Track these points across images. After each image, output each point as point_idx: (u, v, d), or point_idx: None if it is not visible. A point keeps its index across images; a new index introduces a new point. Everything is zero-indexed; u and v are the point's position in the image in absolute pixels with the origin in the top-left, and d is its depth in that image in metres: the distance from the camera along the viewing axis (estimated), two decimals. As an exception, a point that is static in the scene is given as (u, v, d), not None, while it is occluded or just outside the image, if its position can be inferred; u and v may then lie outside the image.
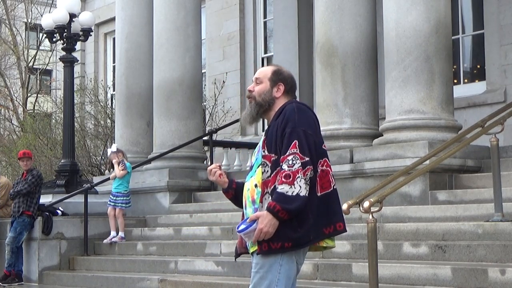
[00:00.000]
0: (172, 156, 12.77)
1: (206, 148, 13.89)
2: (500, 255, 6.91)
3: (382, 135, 9.75)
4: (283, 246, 4.09)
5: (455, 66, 12.77)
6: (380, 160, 9.35)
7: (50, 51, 27.13)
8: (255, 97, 4.39)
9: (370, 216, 5.88)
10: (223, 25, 17.63)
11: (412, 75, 9.32)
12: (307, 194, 4.07)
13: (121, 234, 11.61)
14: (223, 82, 16.99)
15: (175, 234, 11.16)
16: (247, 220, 4.18)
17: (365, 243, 7.31)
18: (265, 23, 17.27)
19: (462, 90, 12.80)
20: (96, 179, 13.72)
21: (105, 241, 11.60)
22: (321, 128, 10.79)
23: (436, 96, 9.31)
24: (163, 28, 13.14)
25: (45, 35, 15.69)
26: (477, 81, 13.19)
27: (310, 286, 7.64)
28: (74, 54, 14.65)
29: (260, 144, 4.36)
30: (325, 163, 4.28)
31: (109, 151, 12.17)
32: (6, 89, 25.91)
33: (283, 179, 4.05)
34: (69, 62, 13.64)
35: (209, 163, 13.43)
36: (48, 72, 31.30)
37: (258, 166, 4.29)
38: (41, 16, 19.99)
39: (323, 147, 4.32)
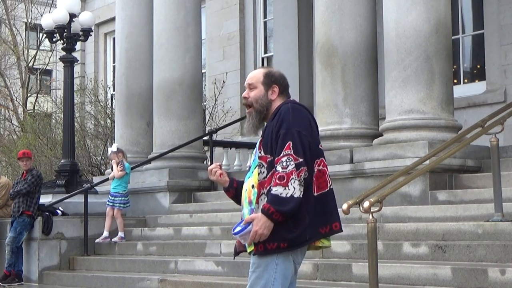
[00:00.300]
0: (172, 156, 12.77)
1: (206, 148, 13.89)
2: (500, 255, 6.91)
3: (382, 135, 9.75)
4: (278, 247, 4.12)
5: (455, 66, 12.77)
6: (380, 160, 9.35)
7: (50, 51, 27.13)
8: (253, 104, 4.39)
9: (370, 216, 5.88)
10: (223, 25, 17.62)
11: (412, 75, 9.32)
12: (301, 195, 4.08)
13: (120, 234, 11.61)
14: (223, 82, 16.99)
15: (175, 234, 11.16)
16: (242, 222, 4.21)
17: (365, 243, 7.31)
18: (265, 23, 17.27)
19: (462, 90, 12.80)
20: (96, 179, 13.71)
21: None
22: (321, 128, 10.83)
23: (436, 96, 9.31)
24: (163, 28, 13.14)
25: (45, 35, 15.69)
26: (477, 81, 13.19)
27: (310, 286, 7.64)
28: (74, 54, 14.65)
29: (257, 145, 4.37)
30: (322, 163, 4.26)
31: (109, 150, 12.18)
32: (6, 89, 25.92)
33: (277, 180, 4.06)
34: (69, 62, 13.64)
35: (209, 163, 13.43)
36: (48, 72, 31.30)
37: (255, 167, 4.30)
38: (41, 16, 20.00)
39: (320, 147, 4.30)
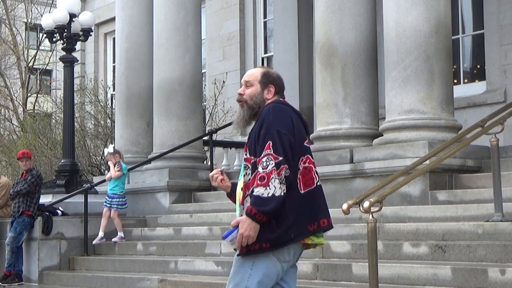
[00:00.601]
0: (172, 156, 12.77)
1: (206, 148, 13.89)
2: (500, 255, 6.91)
3: (382, 135, 9.75)
4: (261, 247, 4.16)
5: (455, 66, 12.77)
6: (380, 160, 9.35)
7: (50, 51, 27.13)
8: (247, 101, 4.44)
9: (370, 216, 5.88)
10: (223, 25, 17.62)
11: (412, 75, 9.32)
12: (282, 194, 4.11)
13: (120, 234, 11.60)
14: (223, 82, 16.99)
15: (175, 234, 11.16)
16: (230, 226, 4.25)
17: (365, 243, 7.31)
18: (265, 23, 17.27)
19: (462, 90, 12.80)
20: (96, 179, 13.71)
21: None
22: (321, 128, 10.84)
23: (436, 96, 9.31)
24: (163, 28, 13.14)
25: (45, 35, 15.69)
26: (477, 81, 13.19)
27: (310, 286, 7.64)
28: (74, 54, 14.65)
29: (244, 147, 4.42)
30: (308, 160, 4.29)
31: (105, 151, 12.13)
32: (6, 89, 25.91)
33: (258, 181, 4.11)
34: (69, 62, 13.64)
35: (209, 163, 13.43)
36: (48, 72, 31.29)
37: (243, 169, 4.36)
38: (41, 16, 20.00)
39: (306, 144, 4.33)
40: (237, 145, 15.15)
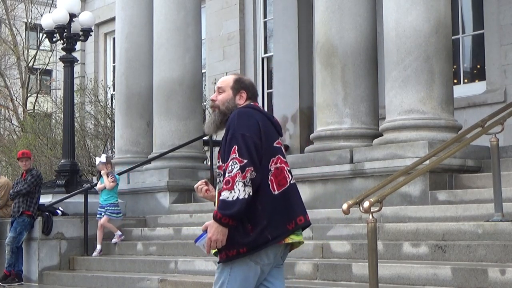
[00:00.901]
0: (172, 156, 12.77)
1: (206, 148, 13.89)
2: (500, 255, 6.91)
3: (382, 135, 9.75)
4: (238, 252, 4.22)
5: (455, 66, 12.77)
6: (380, 160, 9.35)
7: (50, 51, 27.13)
8: (219, 106, 4.51)
9: (370, 216, 5.88)
10: (223, 25, 17.63)
11: (412, 75, 9.32)
12: (246, 196, 4.14)
13: (118, 232, 11.53)
14: (223, 82, 16.96)
15: (175, 234, 11.16)
16: (201, 230, 4.30)
17: (365, 243, 7.31)
18: (265, 23, 17.27)
19: (462, 90, 12.80)
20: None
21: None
22: (321, 128, 10.83)
23: (436, 96, 9.31)
24: (163, 28, 13.14)
25: (45, 35, 15.69)
26: (477, 81, 13.18)
27: (310, 286, 7.64)
28: (74, 54, 14.65)
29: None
30: (279, 160, 4.34)
31: (97, 160, 12.03)
32: (6, 89, 25.91)
33: (224, 185, 4.17)
34: (69, 62, 13.64)
35: (209, 163, 13.43)
36: (48, 72, 31.29)
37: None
38: (41, 16, 19.99)
39: (276, 145, 4.37)
40: (237, 145, 15.12)
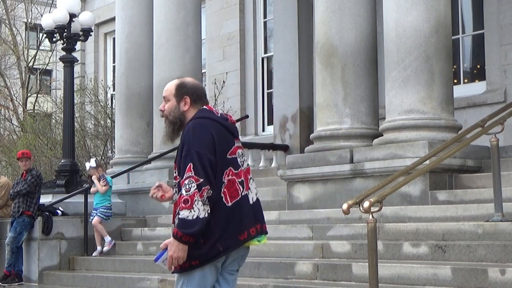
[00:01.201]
0: (172, 156, 12.73)
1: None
2: (500, 255, 6.91)
3: (382, 135, 9.75)
4: (191, 265, 4.30)
5: (455, 66, 12.77)
6: (380, 160, 9.35)
7: (50, 51, 27.13)
8: (167, 116, 4.56)
9: (370, 216, 5.88)
10: (223, 25, 17.62)
11: (412, 75, 9.32)
12: (206, 215, 4.21)
13: (107, 239, 11.47)
14: (223, 82, 16.99)
15: (175, 234, 11.14)
16: (161, 248, 4.40)
17: (365, 243, 7.31)
18: (265, 23, 17.26)
19: (462, 90, 12.80)
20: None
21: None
22: (321, 128, 10.82)
23: (436, 96, 9.31)
24: (163, 28, 13.14)
25: (45, 35, 15.69)
26: (477, 81, 13.18)
27: (310, 286, 7.64)
28: (74, 54, 14.65)
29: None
30: (230, 172, 4.38)
31: (87, 165, 12.00)
32: (6, 89, 25.92)
33: (182, 204, 4.19)
34: (69, 62, 13.64)
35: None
36: (48, 72, 31.29)
37: None
38: (41, 16, 19.99)
39: (228, 156, 4.40)
40: (237, 145, 15.13)
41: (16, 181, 12.09)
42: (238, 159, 4.45)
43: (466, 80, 13.38)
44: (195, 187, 4.19)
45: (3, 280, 11.36)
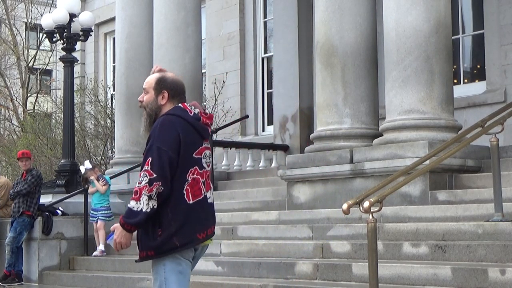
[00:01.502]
0: (172, 156, 12.74)
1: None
2: (500, 255, 6.91)
3: (382, 135, 9.75)
4: (147, 255, 4.54)
5: (455, 66, 12.77)
6: (380, 160, 9.35)
7: (50, 51, 27.13)
8: (145, 107, 4.70)
9: (370, 216, 5.88)
10: (223, 25, 17.63)
11: (412, 75, 9.32)
12: (149, 210, 4.36)
13: (101, 247, 11.44)
14: (223, 82, 16.99)
15: (175, 234, 11.14)
16: (111, 230, 4.65)
17: (365, 243, 7.31)
18: (265, 23, 17.27)
19: (462, 90, 12.80)
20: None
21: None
22: (321, 128, 10.82)
23: (436, 96, 9.31)
24: (163, 28, 13.14)
25: (45, 35, 15.69)
26: (477, 81, 13.18)
27: (310, 286, 7.64)
28: (74, 54, 14.65)
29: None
30: (196, 172, 4.50)
31: (82, 168, 11.96)
32: (6, 89, 25.92)
33: (133, 195, 4.40)
34: (69, 62, 13.64)
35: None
36: (48, 72, 31.29)
37: None
38: (41, 16, 20.00)
39: (194, 155, 4.51)
40: (237, 145, 15.16)
41: (16, 181, 12.10)
42: (204, 160, 4.56)
43: (466, 80, 13.38)
44: (147, 181, 4.34)
45: (3, 280, 11.36)
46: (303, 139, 14.89)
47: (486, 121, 7.88)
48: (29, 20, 27.32)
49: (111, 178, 12.06)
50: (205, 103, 16.92)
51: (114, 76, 20.03)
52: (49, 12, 20.09)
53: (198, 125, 4.55)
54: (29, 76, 26.87)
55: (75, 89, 14.88)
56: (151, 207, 4.36)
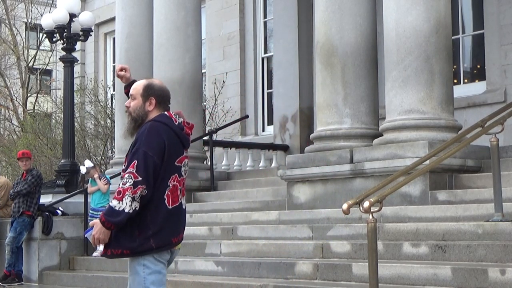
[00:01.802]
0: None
1: (206, 148, 13.89)
2: (500, 255, 6.91)
3: (382, 135, 9.75)
4: (122, 253, 4.65)
5: (455, 66, 12.77)
6: (380, 160, 9.35)
7: (50, 51, 27.13)
8: (131, 113, 4.82)
9: (370, 216, 5.88)
10: (223, 25, 17.62)
11: (412, 75, 9.31)
12: (131, 211, 4.50)
13: (101, 247, 11.36)
14: (223, 82, 16.99)
15: (175, 234, 11.14)
16: (90, 225, 4.74)
17: (365, 243, 7.31)
18: (265, 23, 17.27)
19: (462, 90, 12.80)
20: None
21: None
22: (321, 128, 10.83)
23: (436, 96, 9.31)
24: (163, 28, 13.13)
25: (45, 35, 15.70)
26: (477, 81, 13.18)
27: (310, 286, 7.64)
28: (74, 54, 14.66)
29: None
30: (176, 179, 4.69)
31: (83, 168, 11.94)
32: (6, 89, 25.91)
33: (116, 194, 4.54)
34: (69, 62, 13.65)
35: (209, 163, 13.44)
36: (48, 72, 31.28)
37: None
38: (41, 16, 19.99)
39: (176, 163, 4.69)
40: (237, 145, 15.16)
41: (16, 181, 12.10)
42: (183, 168, 4.75)
43: (466, 80, 13.39)
44: (132, 182, 4.49)
45: (3, 280, 11.37)
46: (303, 139, 14.89)
47: (486, 121, 7.88)
48: (29, 20, 27.32)
49: (111, 178, 12.07)
50: (205, 103, 16.92)
51: (114, 76, 20.02)
52: (49, 12, 20.09)
53: (181, 134, 4.74)
54: (29, 76, 26.87)
55: (75, 89, 14.88)
56: (134, 208, 4.50)
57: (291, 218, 9.83)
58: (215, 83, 17.11)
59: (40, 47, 28.16)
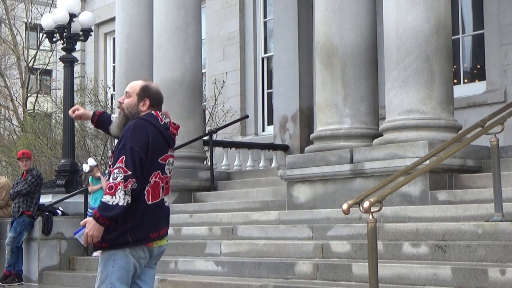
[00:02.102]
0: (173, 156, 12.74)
1: (206, 148, 13.89)
2: (500, 255, 6.91)
3: (382, 135, 9.75)
4: (101, 246, 4.74)
5: (455, 66, 12.77)
6: (380, 160, 9.34)
7: (50, 51, 27.13)
8: (124, 109, 4.94)
9: (370, 216, 5.88)
10: (223, 25, 17.63)
11: (412, 75, 9.31)
12: (125, 204, 4.62)
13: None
14: (223, 82, 16.99)
15: (175, 234, 11.14)
16: (80, 225, 4.82)
17: (365, 243, 7.31)
18: (265, 23, 17.27)
19: (462, 90, 12.80)
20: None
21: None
22: (321, 128, 10.83)
23: (436, 96, 9.31)
24: (163, 28, 13.13)
25: (45, 35, 15.70)
26: (477, 81, 13.19)
27: (310, 286, 7.64)
28: (74, 54, 14.66)
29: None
30: (158, 176, 4.82)
31: (86, 166, 11.92)
32: (6, 89, 25.91)
33: (107, 190, 4.65)
34: (69, 62, 13.64)
35: (209, 163, 13.44)
36: (48, 72, 31.29)
37: None
38: (41, 16, 20.00)
39: (159, 161, 4.83)
40: (237, 145, 15.16)
41: (16, 181, 12.10)
42: (167, 166, 4.88)
43: (466, 80, 13.39)
44: (122, 177, 4.61)
45: (3, 280, 11.37)
46: (303, 139, 14.89)
47: (486, 121, 7.88)
48: (29, 20, 27.32)
49: (90, 192, 11.90)
50: (205, 103, 16.93)
51: (114, 76, 20.04)
52: (49, 12, 20.09)
53: (166, 133, 4.87)
54: (29, 76, 26.87)
55: (75, 89, 14.88)
56: (127, 201, 4.61)
57: (291, 218, 9.83)
58: (215, 83, 17.11)
59: (40, 47, 28.16)
